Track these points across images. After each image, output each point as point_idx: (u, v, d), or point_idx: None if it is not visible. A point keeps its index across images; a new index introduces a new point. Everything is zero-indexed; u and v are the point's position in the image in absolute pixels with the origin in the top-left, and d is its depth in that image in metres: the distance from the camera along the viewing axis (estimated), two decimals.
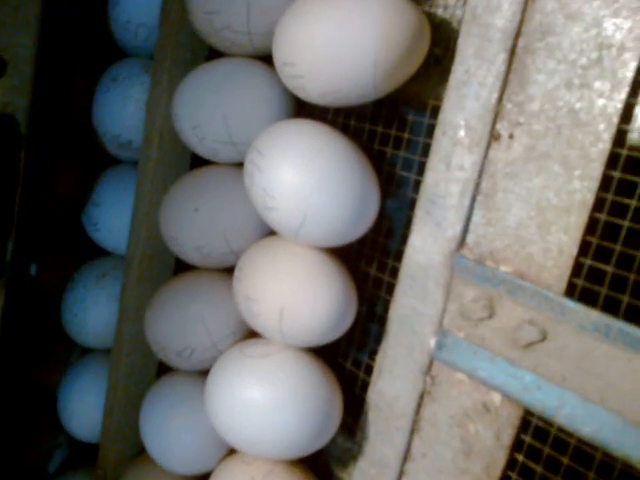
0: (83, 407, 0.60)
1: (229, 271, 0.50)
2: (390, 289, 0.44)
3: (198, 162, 0.51)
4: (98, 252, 0.61)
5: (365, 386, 0.46)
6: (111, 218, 0.57)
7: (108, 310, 0.58)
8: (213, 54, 0.50)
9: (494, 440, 0.38)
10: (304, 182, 0.39)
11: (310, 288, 0.41)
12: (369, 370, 0.46)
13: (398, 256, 0.44)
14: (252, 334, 0.49)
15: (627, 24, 0.32)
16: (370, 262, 0.47)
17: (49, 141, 0.53)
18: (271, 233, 0.48)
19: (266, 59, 0.45)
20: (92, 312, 0.58)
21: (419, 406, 0.41)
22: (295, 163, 0.39)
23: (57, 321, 0.61)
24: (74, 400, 0.60)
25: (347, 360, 0.49)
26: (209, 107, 0.44)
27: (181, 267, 0.54)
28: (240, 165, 0.46)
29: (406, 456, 0.42)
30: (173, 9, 0.47)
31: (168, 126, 0.49)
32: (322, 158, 0.39)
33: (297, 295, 0.41)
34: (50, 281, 0.59)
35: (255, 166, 0.41)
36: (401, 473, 0.43)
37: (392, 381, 0.43)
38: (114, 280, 0.58)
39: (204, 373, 0.49)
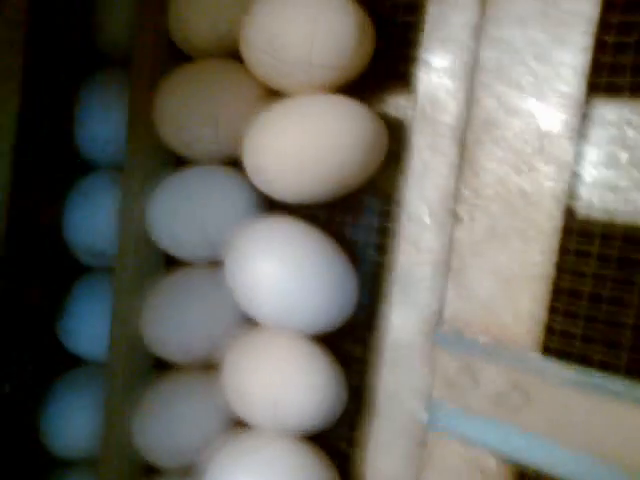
0: None
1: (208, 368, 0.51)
2: (369, 366, 0.46)
3: (173, 263, 0.52)
4: (74, 361, 0.60)
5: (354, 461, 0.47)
6: (86, 327, 0.56)
7: (89, 420, 0.56)
8: (181, 160, 0.52)
9: None
10: (284, 274, 0.42)
11: (302, 378, 0.43)
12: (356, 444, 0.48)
13: (370, 329, 0.46)
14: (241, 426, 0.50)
15: (561, 116, 0.37)
16: (351, 341, 0.49)
17: (20, 259, 0.53)
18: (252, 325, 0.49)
19: (234, 163, 0.48)
20: (73, 422, 0.56)
21: (416, 478, 0.43)
22: (274, 257, 0.42)
23: (35, 435, 0.59)
24: None
25: (341, 440, 0.50)
26: (185, 216, 0.46)
27: (161, 367, 0.55)
28: (217, 264, 0.48)
29: None
30: (140, 123, 0.49)
31: (142, 234, 0.50)
32: (299, 250, 0.42)
33: (291, 386, 0.43)
34: (25, 394, 0.58)
35: (236, 264, 0.43)
36: None
37: (387, 456, 0.44)
38: (94, 389, 0.57)
39: None
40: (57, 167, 0.56)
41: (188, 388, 0.50)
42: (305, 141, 0.40)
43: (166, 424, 0.49)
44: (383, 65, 0.45)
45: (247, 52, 0.43)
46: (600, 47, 0.37)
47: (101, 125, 0.54)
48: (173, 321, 0.48)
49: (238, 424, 0.51)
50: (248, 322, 0.49)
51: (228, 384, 0.46)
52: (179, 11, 0.46)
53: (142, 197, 0.49)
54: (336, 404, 0.45)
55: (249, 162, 0.43)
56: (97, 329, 0.55)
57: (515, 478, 0.39)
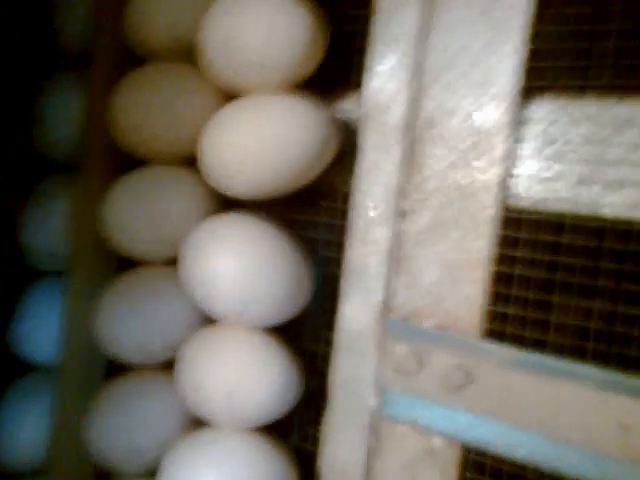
0: None
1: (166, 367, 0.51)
2: (326, 358, 0.48)
3: (127, 265, 0.53)
4: (25, 368, 0.59)
5: (314, 457, 0.48)
6: (38, 331, 0.56)
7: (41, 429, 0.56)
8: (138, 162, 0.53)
9: None
10: (241, 269, 0.43)
11: (256, 369, 0.44)
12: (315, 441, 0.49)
13: (329, 327, 0.48)
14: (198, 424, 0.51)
15: (494, 116, 0.41)
16: (309, 338, 0.51)
17: None
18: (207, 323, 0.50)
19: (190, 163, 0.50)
20: (24, 431, 0.56)
21: (369, 465, 0.45)
22: (232, 253, 0.43)
23: None
24: None
25: (293, 434, 0.51)
26: (140, 215, 0.47)
27: (115, 371, 0.55)
28: (172, 263, 0.50)
29: None
30: (96, 125, 0.51)
31: (95, 234, 0.51)
32: (255, 245, 0.44)
33: (244, 377, 0.44)
34: None
35: (193, 260, 0.44)
36: None
37: (341, 446, 0.46)
38: (45, 396, 0.56)
39: None
40: (15, 168, 0.57)
41: (143, 388, 0.50)
42: (260, 138, 0.42)
43: (121, 426, 0.49)
44: (332, 69, 0.48)
45: (203, 54, 0.46)
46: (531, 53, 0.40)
47: (60, 126, 0.55)
48: (127, 321, 0.49)
49: (196, 423, 0.52)
50: (204, 319, 0.50)
51: (184, 381, 0.47)
52: (135, 14, 0.48)
53: (96, 198, 0.50)
54: (292, 394, 0.46)
55: (205, 160, 0.45)
56: (49, 333, 0.55)
57: (460, 455, 0.41)
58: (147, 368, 0.51)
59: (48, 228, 0.54)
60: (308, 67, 0.45)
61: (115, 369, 0.54)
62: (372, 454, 0.44)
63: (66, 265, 0.54)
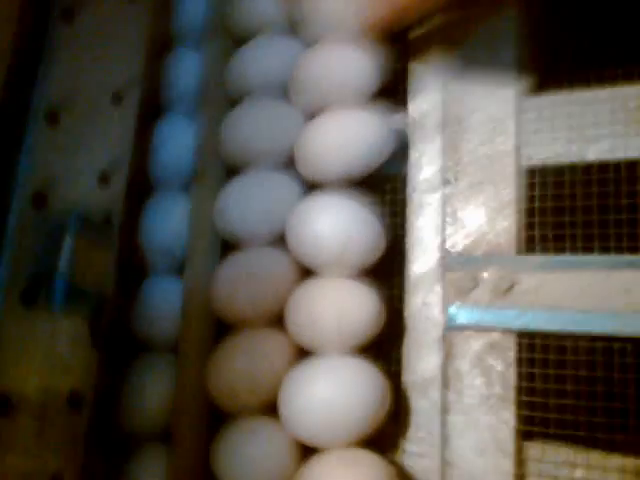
0: None
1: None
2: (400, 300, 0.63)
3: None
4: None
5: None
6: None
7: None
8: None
9: (502, 364, 0.56)
10: (337, 228, 0.60)
11: (357, 301, 0.59)
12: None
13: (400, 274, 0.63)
14: None
15: (504, 107, 0.60)
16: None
17: None
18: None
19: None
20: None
21: (445, 367, 0.58)
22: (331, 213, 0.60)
23: None
24: None
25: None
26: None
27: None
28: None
29: (444, 408, 0.58)
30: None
31: None
32: (347, 211, 0.61)
33: (348, 309, 0.58)
34: None
35: (301, 224, 0.61)
36: (442, 424, 0.57)
37: (420, 360, 0.60)
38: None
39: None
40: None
41: (257, 338, 0.63)
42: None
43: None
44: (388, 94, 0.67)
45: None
46: None
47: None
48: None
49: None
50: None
51: (295, 321, 0.61)
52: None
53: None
54: (381, 323, 0.60)
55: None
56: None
57: (514, 342, 0.56)
58: (258, 323, 0.65)
59: None
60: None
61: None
62: (446, 358, 0.58)
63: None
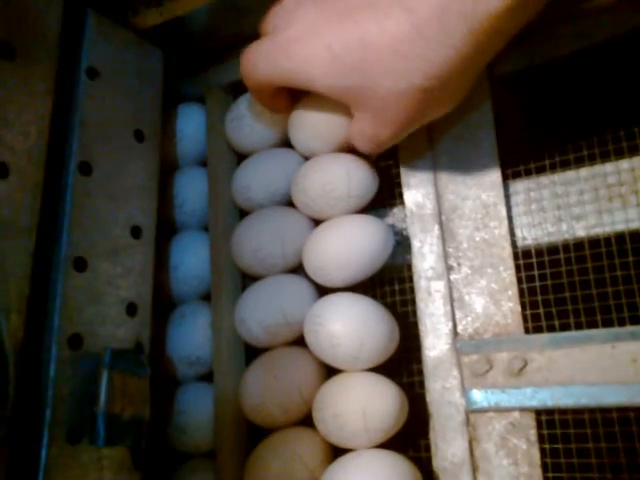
0: None
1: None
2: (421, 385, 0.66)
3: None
4: None
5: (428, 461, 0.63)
6: None
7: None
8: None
9: (526, 443, 0.58)
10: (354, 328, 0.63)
11: (379, 395, 0.62)
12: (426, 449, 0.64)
13: (418, 361, 0.66)
14: None
15: (493, 194, 0.64)
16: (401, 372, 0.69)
17: None
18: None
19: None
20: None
21: (472, 448, 0.60)
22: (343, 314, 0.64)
23: None
24: None
25: (407, 447, 0.67)
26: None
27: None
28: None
29: None
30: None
31: None
32: (362, 311, 0.64)
33: (372, 404, 0.61)
34: None
35: (317, 326, 0.64)
36: None
37: (447, 444, 0.62)
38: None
39: None
40: None
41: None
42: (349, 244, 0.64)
43: None
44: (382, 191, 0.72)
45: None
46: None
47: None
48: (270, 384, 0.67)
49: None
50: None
51: (323, 417, 0.64)
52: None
53: None
54: (405, 413, 0.63)
55: (309, 265, 0.66)
56: None
57: (534, 419, 0.58)
58: (288, 424, 0.68)
59: None
60: None
61: None
62: (472, 441, 0.61)
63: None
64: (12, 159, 0.53)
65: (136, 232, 0.64)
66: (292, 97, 0.70)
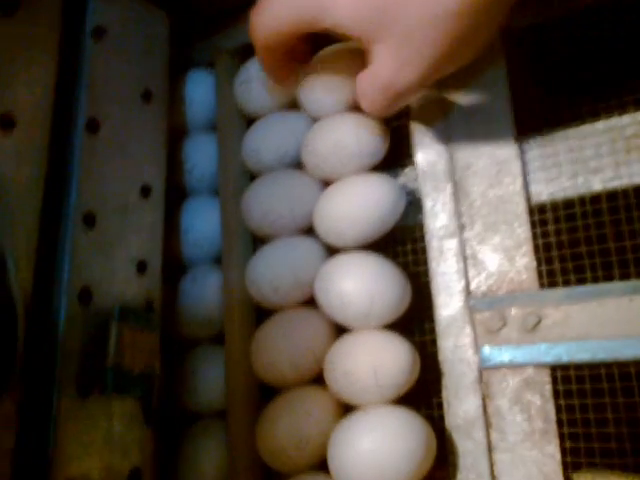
0: None
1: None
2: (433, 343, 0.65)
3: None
4: None
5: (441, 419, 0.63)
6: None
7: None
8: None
9: (541, 399, 0.57)
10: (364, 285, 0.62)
11: (391, 352, 0.61)
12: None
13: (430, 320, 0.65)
14: None
15: (507, 150, 0.63)
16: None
17: None
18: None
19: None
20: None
21: (485, 406, 0.60)
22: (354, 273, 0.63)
23: None
24: None
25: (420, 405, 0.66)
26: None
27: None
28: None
29: (489, 447, 0.59)
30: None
31: None
32: (372, 268, 0.63)
33: (384, 359, 0.60)
34: None
35: (328, 283, 0.64)
36: (490, 463, 0.58)
37: (460, 402, 0.61)
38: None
39: None
40: None
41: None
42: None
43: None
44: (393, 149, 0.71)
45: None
46: None
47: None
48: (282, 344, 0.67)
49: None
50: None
51: (334, 375, 0.63)
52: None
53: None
54: (417, 370, 0.62)
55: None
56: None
57: (548, 375, 0.57)
58: (299, 383, 0.67)
59: None
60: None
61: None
62: (486, 398, 0.60)
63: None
64: (17, 112, 0.52)
65: (145, 191, 0.64)
66: (298, 65, 0.70)
